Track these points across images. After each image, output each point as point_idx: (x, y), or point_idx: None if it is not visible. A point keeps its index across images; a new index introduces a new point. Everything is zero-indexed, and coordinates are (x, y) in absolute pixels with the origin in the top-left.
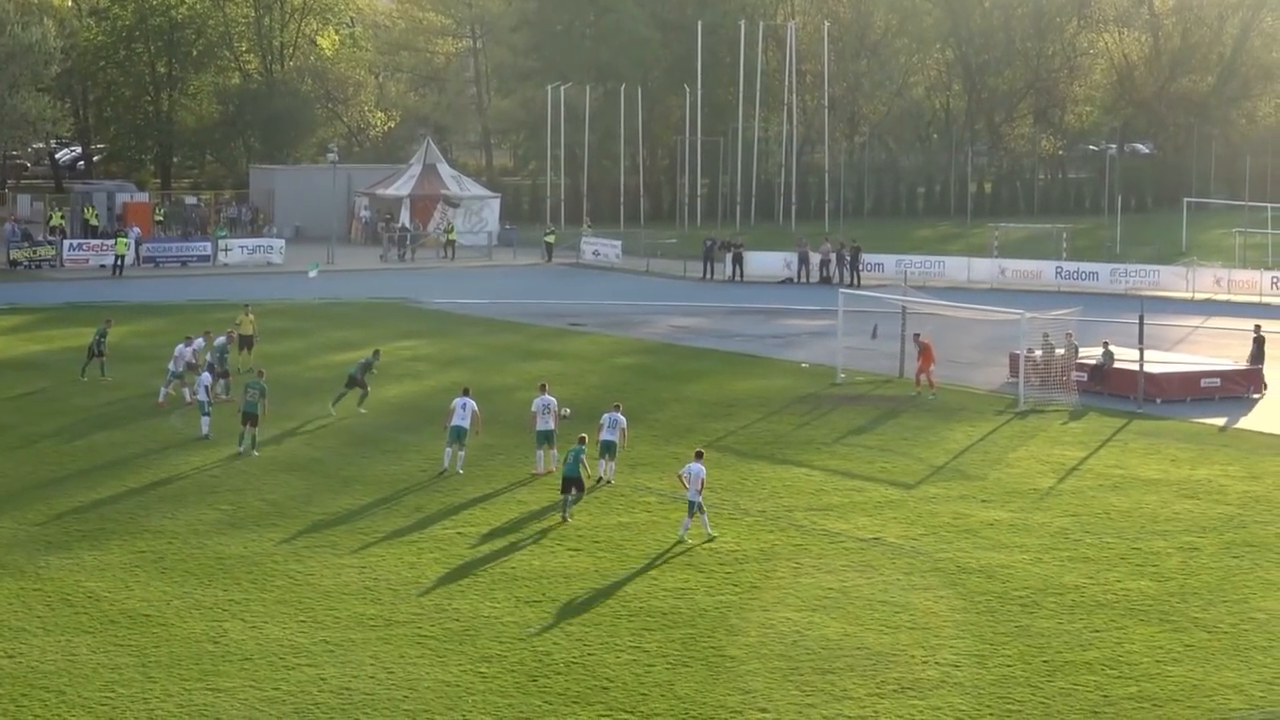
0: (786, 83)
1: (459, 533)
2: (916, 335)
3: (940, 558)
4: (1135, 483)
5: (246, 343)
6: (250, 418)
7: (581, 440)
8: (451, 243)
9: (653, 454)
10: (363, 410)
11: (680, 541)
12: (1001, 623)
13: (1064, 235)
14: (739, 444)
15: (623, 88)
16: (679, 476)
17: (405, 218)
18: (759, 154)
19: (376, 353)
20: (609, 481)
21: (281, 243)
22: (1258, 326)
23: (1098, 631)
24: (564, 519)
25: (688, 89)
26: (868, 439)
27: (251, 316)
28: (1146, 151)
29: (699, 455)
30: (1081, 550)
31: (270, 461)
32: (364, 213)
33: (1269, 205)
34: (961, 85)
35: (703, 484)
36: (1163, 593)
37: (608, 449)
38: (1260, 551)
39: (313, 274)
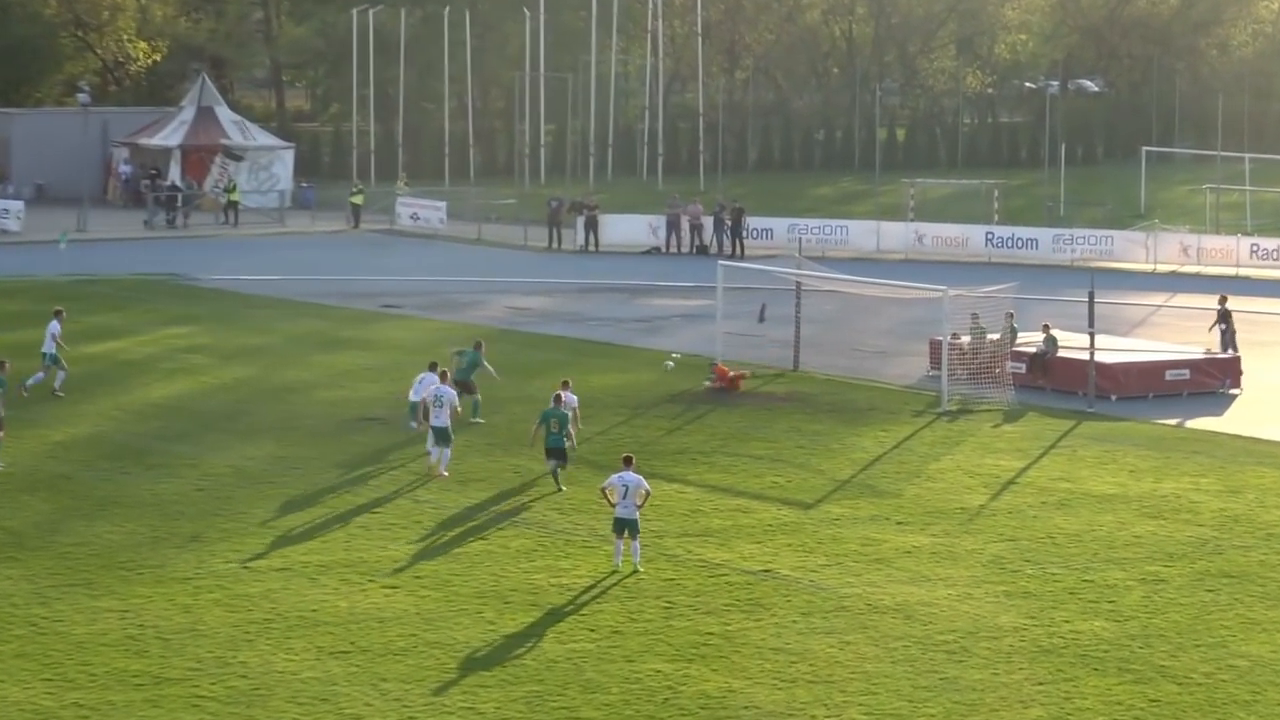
0: (650, 5)
1: (245, 567)
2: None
3: (846, 594)
4: (1086, 499)
5: None
6: None
7: (556, 399)
8: (234, 205)
9: (486, 467)
10: (479, 420)
11: (616, 571)
12: (923, 674)
13: (995, 193)
14: (595, 454)
15: (446, 11)
16: (603, 490)
17: (175, 174)
18: (616, 94)
19: (479, 344)
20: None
21: (20, 205)
22: (1223, 299)
23: (1042, 684)
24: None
25: (528, 13)
26: (755, 447)
27: None
28: (1096, 90)
29: (628, 461)
30: (1021, 584)
31: (4, 480)
32: (124, 168)
33: (1246, 156)
34: (867, 8)
35: (645, 498)
36: (1121, 635)
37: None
38: (1239, 583)
39: (62, 245)
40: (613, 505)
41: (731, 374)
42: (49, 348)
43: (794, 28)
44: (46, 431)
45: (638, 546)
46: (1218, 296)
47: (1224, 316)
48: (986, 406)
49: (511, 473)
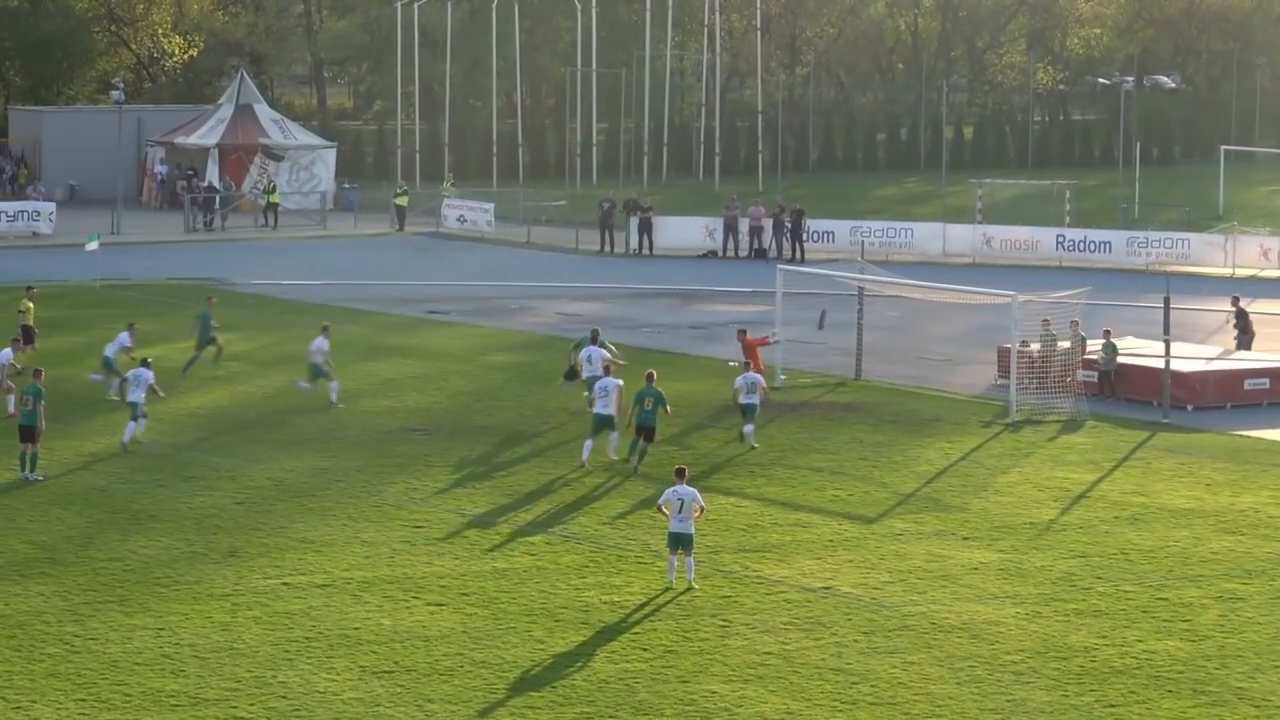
0: None
1: (286, 583)
2: (742, 332)
3: (910, 612)
4: (1161, 514)
5: (28, 336)
6: (28, 432)
7: (649, 378)
8: (273, 206)
9: (538, 480)
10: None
11: (669, 588)
12: (989, 696)
13: (1067, 194)
14: (649, 467)
15: (494, 4)
16: (658, 506)
17: (213, 174)
18: (672, 91)
19: (594, 332)
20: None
21: (51, 207)
22: (1235, 299)
23: (1113, 707)
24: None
25: (579, 6)
26: (815, 459)
27: (32, 305)
28: (1172, 86)
29: (681, 474)
30: (1092, 602)
31: (39, 492)
32: (159, 168)
33: None
34: (933, 1)
35: (700, 512)
36: (1197, 655)
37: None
38: None
39: (92, 247)
40: (667, 519)
41: (755, 341)
42: (112, 351)
43: (857, 22)
44: (81, 443)
45: (691, 563)
46: (1230, 297)
47: (1241, 317)
48: (1056, 417)
49: (564, 487)
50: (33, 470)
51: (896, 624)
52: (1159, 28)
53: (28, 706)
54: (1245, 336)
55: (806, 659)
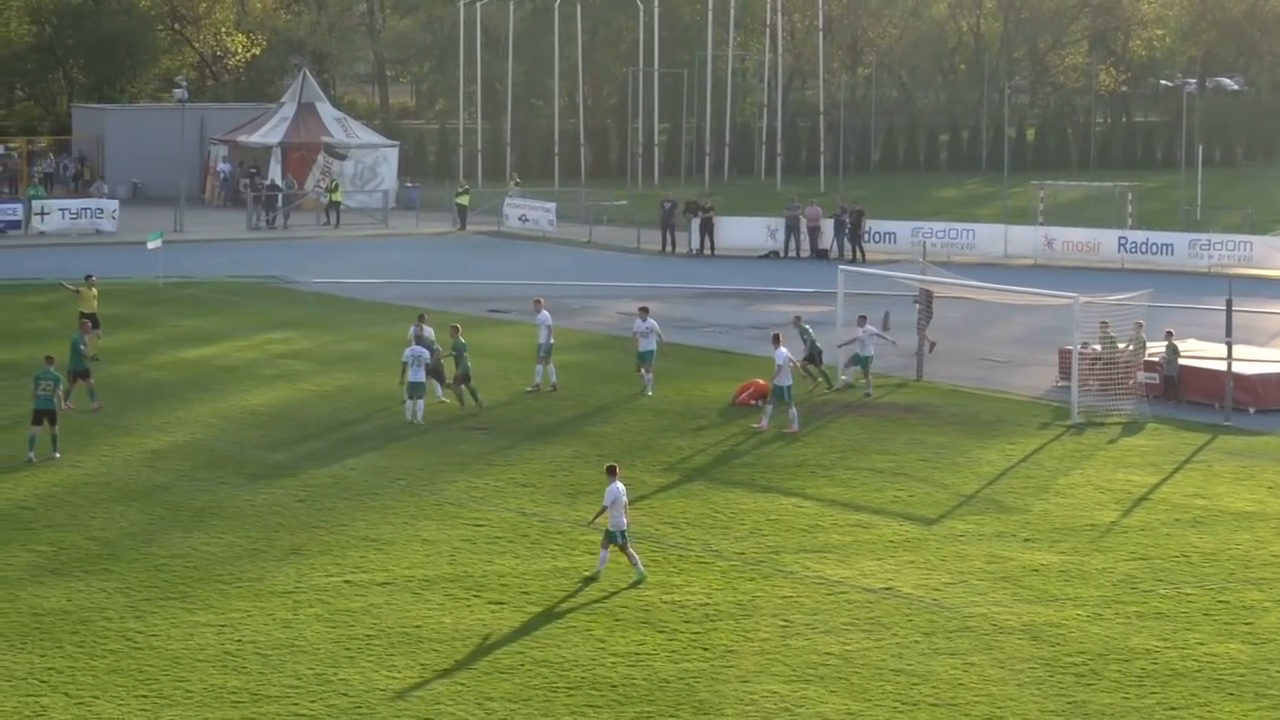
0: None
1: (347, 581)
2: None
3: (971, 614)
4: (1223, 516)
5: (93, 321)
6: (45, 415)
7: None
8: (336, 205)
9: (598, 479)
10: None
11: (594, 578)
12: (1050, 698)
13: (1129, 196)
14: (710, 466)
15: (557, 4)
16: (605, 510)
17: (275, 173)
18: (733, 91)
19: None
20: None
21: (114, 205)
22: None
23: (1175, 709)
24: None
25: (641, 6)
26: (876, 460)
27: (94, 290)
28: (1235, 88)
29: (612, 471)
30: (1153, 604)
31: (100, 489)
32: (222, 166)
33: None
34: (996, 2)
35: (625, 507)
36: (1259, 659)
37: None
38: None
39: (154, 245)
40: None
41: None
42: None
43: (919, 22)
44: (142, 439)
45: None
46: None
47: None
48: (1117, 419)
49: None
50: (54, 449)
51: (957, 625)
52: (1222, 30)
53: (90, 702)
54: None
55: (867, 660)
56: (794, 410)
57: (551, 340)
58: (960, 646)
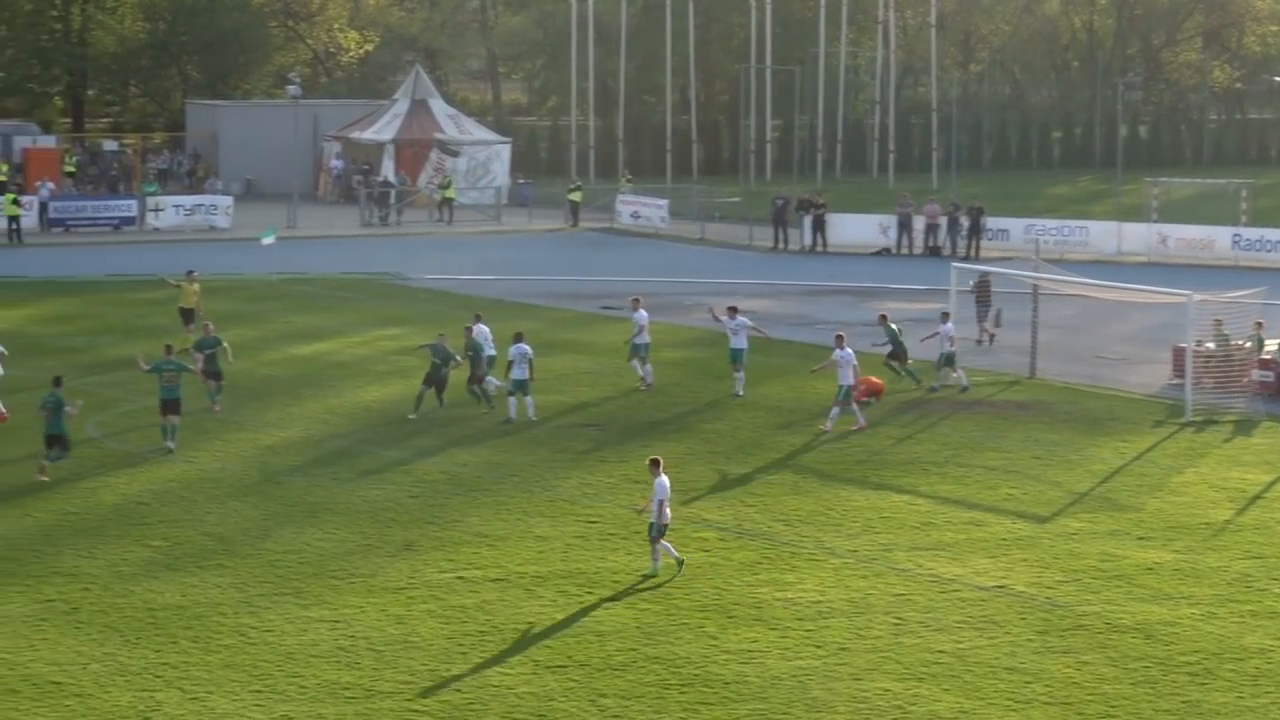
0: None
1: (460, 577)
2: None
3: (1084, 612)
4: None
5: (187, 318)
6: (173, 405)
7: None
8: (448, 201)
9: (710, 476)
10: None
11: (652, 576)
12: (1164, 697)
13: (1243, 193)
14: (821, 463)
15: (669, 1)
16: (648, 502)
17: (388, 169)
18: (846, 87)
19: (733, 308)
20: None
21: (228, 201)
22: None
23: None
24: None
25: (754, 3)
26: (989, 457)
27: (196, 286)
28: None
29: (656, 465)
30: (1268, 603)
31: (214, 485)
32: (335, 163)
33: None
34: None
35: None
36: None
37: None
38: None
39: (268, 241)
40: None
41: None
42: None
43: (1032, 19)
44: (256, 435)
45: (670, 545)
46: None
47: None
48: (1231, 417)
49: (734, 483)
50: (170, 439)
51: (1070, 623)
52: None
53: (204, 697)
54: None
55: (980, 658)
56: (855, 407)
57: (647, 339)
58: (1074, 645)
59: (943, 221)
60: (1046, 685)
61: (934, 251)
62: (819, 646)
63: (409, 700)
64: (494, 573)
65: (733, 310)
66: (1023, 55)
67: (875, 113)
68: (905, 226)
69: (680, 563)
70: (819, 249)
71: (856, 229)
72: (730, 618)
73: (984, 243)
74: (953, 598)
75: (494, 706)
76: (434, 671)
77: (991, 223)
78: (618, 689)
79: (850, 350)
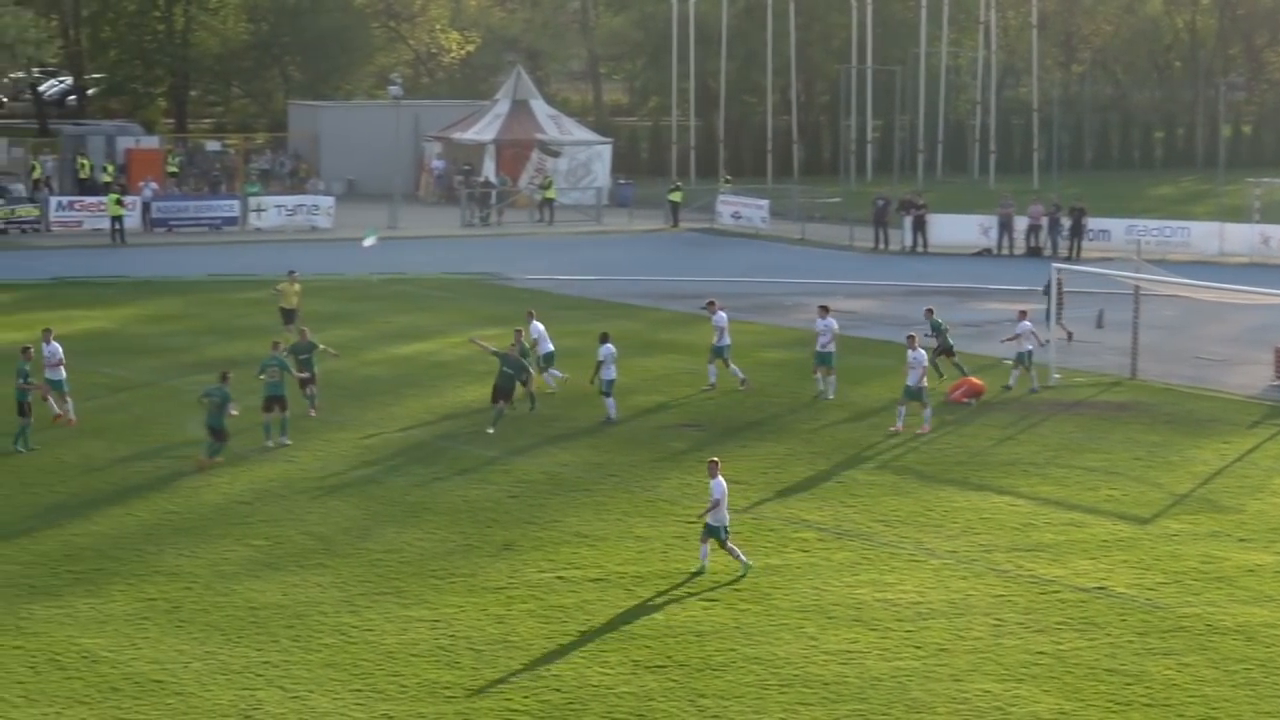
0: None
1: (560, 577)
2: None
3: (1185, 614)
4: None
5: (288, 318)
6: (277, 401)
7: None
8: (549, 202)
9: (810, 476)
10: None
11: (700, 572)
12: (1266, 699)
13: None
14: (921, 463)
15: (770, 1)
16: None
17: (489, 170)
18: (947, 88)
19: (930, 311)
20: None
21: (330, 201)
22: None
23: None
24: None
25: (854, 3)
26: (1089, 458)
27: (297, 286)
28: None
29: (714, 467)
30: None
31: (315, 484)
32: (436, 163)
33: None
34: None
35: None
36: None
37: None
38: None
39: (369, 242)
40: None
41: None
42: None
43: (1134, 19)
44: (357, 435)
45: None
46: None
47: None
48: None
49: (838, 486)
50: (283, 434)
51: (1171, 625)
52: None
53: (305, 696)
54: None
55: (1080, 659)
56: (928, 410)
57: (728, 340)
58: (1174, 647)
59: (1044, 222)
60: (1147, 687)
61: (1035, 252)
62: (918, 647)
63: (508, 700)
64: (594, 573)
65: (824, 310)
66: (1124, 55)
67: (976, 113)
68: (1006, 227)
69: (746, 567)
70: (920, 249)
71: (957, 229)
72: (830, 618)
73: (1085, 243)
74: (1053, 599)
75: (593, 706)
76: (533, 671)
77: (1093, 223)
78: (717, 689)
79: (923, 351)
